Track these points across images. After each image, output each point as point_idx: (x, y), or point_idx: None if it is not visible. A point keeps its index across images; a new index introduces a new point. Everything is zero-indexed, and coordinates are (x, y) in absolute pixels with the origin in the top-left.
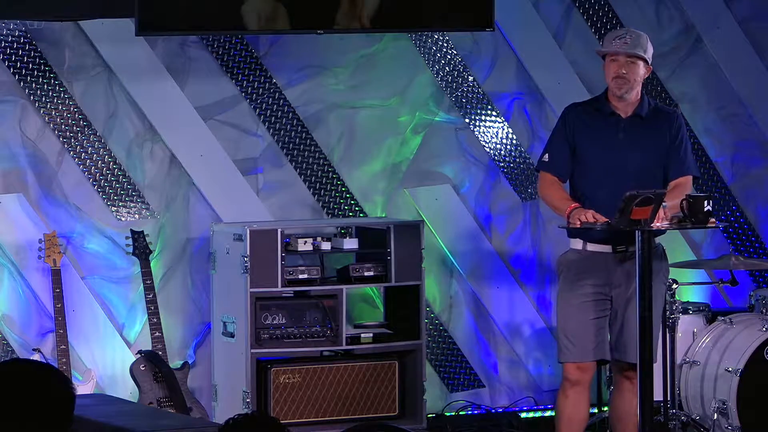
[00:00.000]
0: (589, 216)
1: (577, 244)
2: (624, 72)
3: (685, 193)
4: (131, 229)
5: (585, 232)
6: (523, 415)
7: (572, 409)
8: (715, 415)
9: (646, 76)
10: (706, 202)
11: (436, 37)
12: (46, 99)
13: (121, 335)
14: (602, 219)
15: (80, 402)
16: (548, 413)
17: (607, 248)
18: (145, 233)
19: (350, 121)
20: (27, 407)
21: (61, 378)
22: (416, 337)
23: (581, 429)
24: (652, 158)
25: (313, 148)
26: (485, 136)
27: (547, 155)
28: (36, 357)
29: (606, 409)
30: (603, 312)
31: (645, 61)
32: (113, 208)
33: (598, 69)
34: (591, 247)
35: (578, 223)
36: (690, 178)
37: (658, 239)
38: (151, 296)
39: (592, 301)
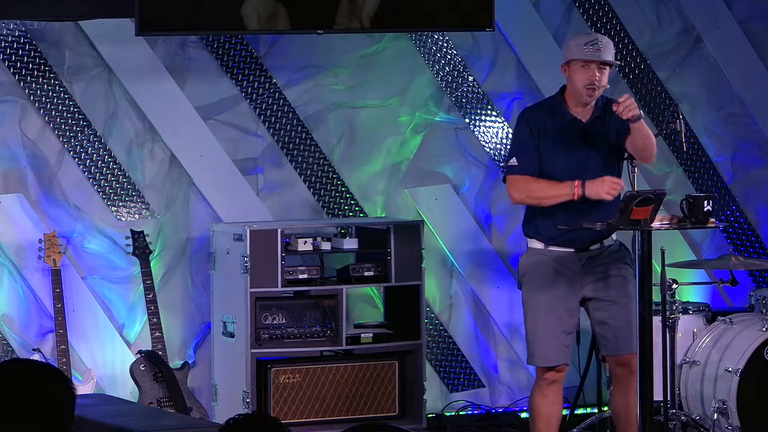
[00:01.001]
0: (612, 185)
1: (536, 243)
2: (597, 80)
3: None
4: (131, 229)
5: (545, 234)
6: (523, 415)
7: (551, 408)
8: (715, 415)
9: None
10: (706, 202)
11: (436, 37)
12: (46, 99)
13: (121, 335)
14: (621, 183)
15: (80, 402)
16: None
17: (569, 250)
18: (145, 233)
19: (350, 121)
20: (27, 407)
21: (61, 378)
22: (416, 337)
23: (558, 425)
24: (612, 151)
25: (313, 148)
26: (485, 136)
27: (515, 159)
28: (36, 357)
29: (606, 409)
30: (572, 312)
31: (611, 66)
32: (113, 208)
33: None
34: (552, 247)
35: (611, 196)
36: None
37: (615, 235)
38: (151, 296)
39: (560, 305)
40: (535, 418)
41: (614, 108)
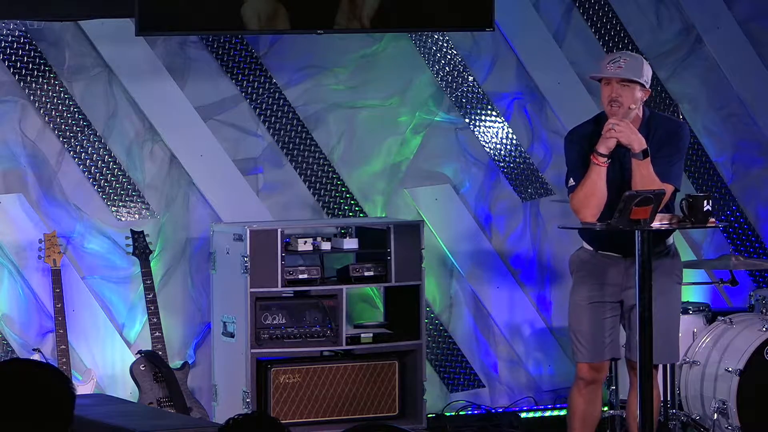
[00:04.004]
0: (609, 131)
1: (587, 245)
2: (617, 96)
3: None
4: (131, 229)
5: (594, 241)
6: (523, 415)
7: (586, 407)
8: (715, 415)
9: (644, 99)
10: (705, 202)
11: (436, 37)
12: (46, 99)
13: (121, 335)
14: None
15: (80, 402)
16: (548, 413)
17: (617, 255)
18: (145, 233)
19: (350, 121)
20: (27, 407)
21: (61, 378)
22: (416, 337)
23: (594, 426)
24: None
25: (313, 148)
26: (485, 136)
27: (571, 179)
28: (36, 357)
29: (606, 408)
30: (614, 312)
31: (641, 84)
32: (113, 208)
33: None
34: (601, 252)
35: (617, 131)
36: (671, 187)
37: (672, 239)
38: (151, 296)
39: (603, 302)
40: (572, 417)
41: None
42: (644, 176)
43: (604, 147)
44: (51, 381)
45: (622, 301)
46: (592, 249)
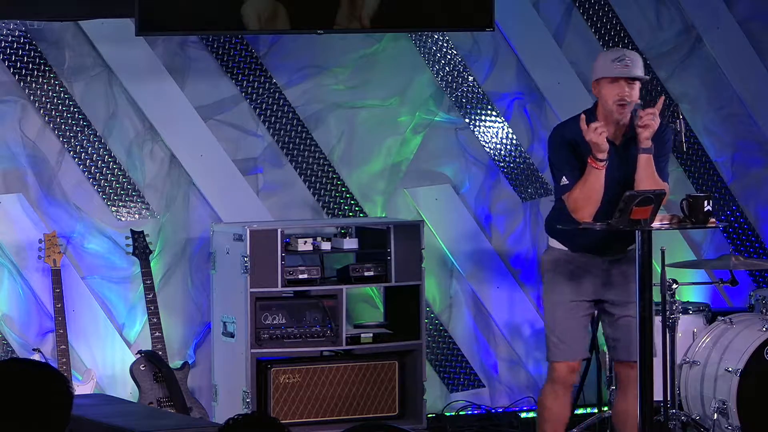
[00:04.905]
0: (591, 132)
1: (559, 245)
2: (627, 95)
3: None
4: (131, 229)
5: (570, 241)
6: (523, 415)
7: (561, 409)
8: (715, 415)
9: None
10: (705, 202)
11: (436, 37)
12: (46, 99)
13: (121, 335)
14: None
15: (80, 402)
16: None
17: (595, 255)
18: (145, 233)
19: (350, 121)
20: (24, 407)
21: (60, 378)
22: (416, 337)
23: (565, 427)
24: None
25: (313, 148)
26: (485, 136)
27: (564, 178)
28: (36, 357)
29: (606, 409)
30: (589, 311)
31: (641, 81)
32: (113, 208)
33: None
34: (576, 253)
35: (598, 134)
36: (667, 186)
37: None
38: (151, 296)
39: (579, 301)
40: (546, 418)
41: (639, 114)
42: (651, 172)
43: (602, 151)
44: (49, 381)
45: (597, 300)
46: (566, 249)
